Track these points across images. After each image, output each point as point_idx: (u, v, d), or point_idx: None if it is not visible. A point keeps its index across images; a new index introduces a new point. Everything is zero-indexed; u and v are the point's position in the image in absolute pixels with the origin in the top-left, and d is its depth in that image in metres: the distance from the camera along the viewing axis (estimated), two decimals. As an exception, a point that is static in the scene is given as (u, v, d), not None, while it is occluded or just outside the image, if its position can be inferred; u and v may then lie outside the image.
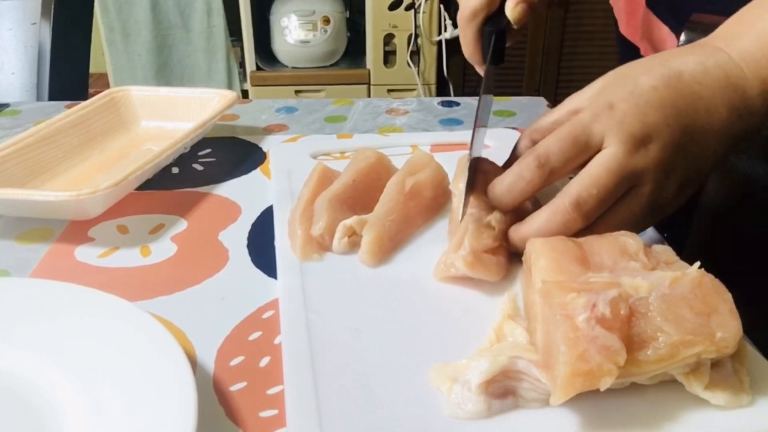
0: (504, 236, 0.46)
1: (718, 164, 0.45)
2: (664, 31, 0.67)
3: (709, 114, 0.43)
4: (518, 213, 0.47)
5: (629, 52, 0.73)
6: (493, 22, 0.56)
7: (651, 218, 0.44)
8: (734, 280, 0.38)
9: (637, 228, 0.43)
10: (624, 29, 0.74)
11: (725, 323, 0.35)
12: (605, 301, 0.34)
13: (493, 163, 0.51)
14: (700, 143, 0.43)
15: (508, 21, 0.56)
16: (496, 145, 0.65)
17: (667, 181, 0.43)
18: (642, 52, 0.71)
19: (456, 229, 0.47)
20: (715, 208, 0.65)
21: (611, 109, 0.43)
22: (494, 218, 0.46)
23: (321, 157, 0.66)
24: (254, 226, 0.56)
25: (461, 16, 0.58)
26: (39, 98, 1.10)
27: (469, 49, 0.59)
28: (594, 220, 0.42)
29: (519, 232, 0.45)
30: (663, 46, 0.68)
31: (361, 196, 0.53)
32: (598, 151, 0.43)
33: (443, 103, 0.84)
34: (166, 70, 2.24)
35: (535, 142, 0.47)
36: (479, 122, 0.50)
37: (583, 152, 0.43)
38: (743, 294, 0.38)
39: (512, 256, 0.47)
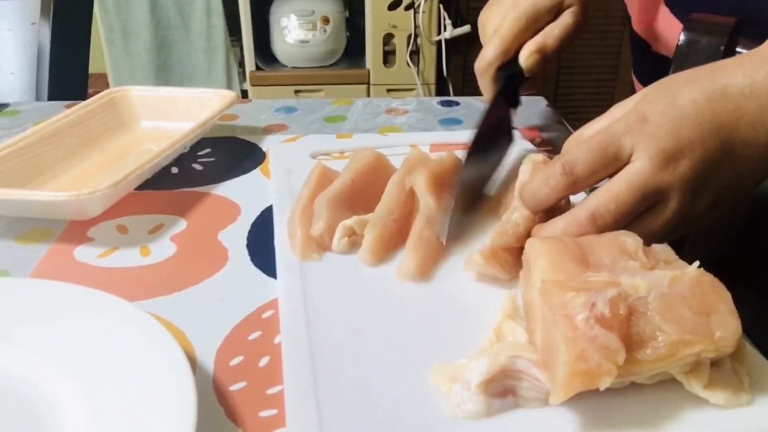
0: (527, 236, 0.46)
1: (760, 182, 0.44)
2: (677, 26, 0.67)
3: (754, 130, 0.42)
4: (550, 212, 0.47)
5: (640, 48, 0.73)
6: (507, 68, 0.61)
7: (677, 231, 0.44)
8: (733, 279, 0.38)
9: (660, 240, 0.42)
10: (636, 25, 0.74)
11: (724, 322, 0.35)
12: (604, 301, 0.34)
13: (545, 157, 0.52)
14: (739, 160, 0.42)
15: (521, 69, 0.61)
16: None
17: (697, 198, 0.42)
18: (654, 48, 0.71)
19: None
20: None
21: (644, 122, 0.42)
22: (520, 216, 0.46)
23: (320, 156, 0.66)
24: (254, 225, 0.56)
25: (477, 66, 0.63)
26: (38, 98, 1.10)
27: (487, 95, 0.64)
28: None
29: (537, 235, 0.44)
30: (674, 42, 0.67)
31: (360, 196, 0.53)
32: (627, 163, 0.42)
33: (443, 103, 0.84)
34: (165, 70, 2.23)
35: None
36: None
37: (611, 164, 0.42)
38: (742, 293, 0.38)
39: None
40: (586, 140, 0.43)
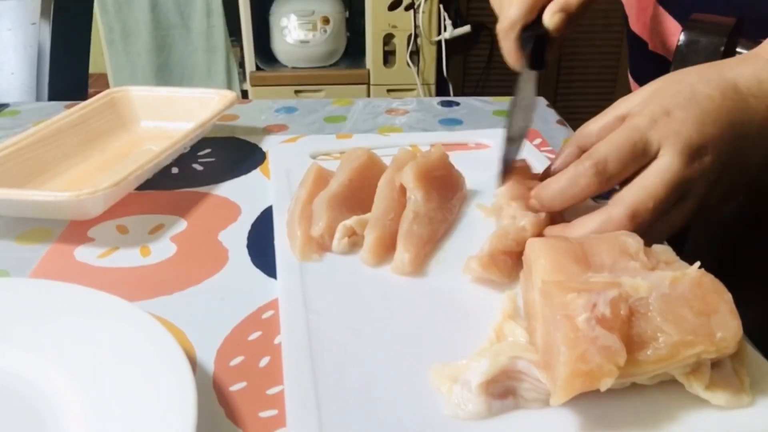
0: None
1: (757, 175, 0.45)
2: (672, 25, 0.67)
3: (760, 129, 0.42)
4: (553, 217, 0.47)
5: (638, 48, 0.73)
6: (531, 30, 0.60)
7: (688, 222, 0.44)
8: (734, 280, 0.38)
9: (672, 233, 0.43)
10: (633, 24, 0.75)
11: (725, 323, 0.35)
12: (605, 302, 0.34)
13: (525, 163, 0.53)
14: (747, 157, 0.43)
15: (546, 30, 0.59)
16: (495, 144, 0.65)
17: (712, 192, 0.43)
18: (650, 47, 0.71)
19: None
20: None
21: (668, 116, 0.42)
22: (528, 221, 0.46)
23: (321, 157, 0.66)
24: (254, 226, 0.56)
25: (500, 27, 0.60)
26: (39, 98, 1.10)
27: (511, 58, 0.61)
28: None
29: (567, 235, 0.44)
30: (671, 40, 0.67)
31: (357, 195, 0.53)
32: (653, 158, 0.42)
33: (443, 103, 0.84)
34: (165, 70, 2.23)
35: (582, 149, 0.46)
36: (514, 128, 0.53)
37: (639, 159, 0.42)
38: (743, 294, 0.38)
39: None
40: (611, 137, 0.43)
